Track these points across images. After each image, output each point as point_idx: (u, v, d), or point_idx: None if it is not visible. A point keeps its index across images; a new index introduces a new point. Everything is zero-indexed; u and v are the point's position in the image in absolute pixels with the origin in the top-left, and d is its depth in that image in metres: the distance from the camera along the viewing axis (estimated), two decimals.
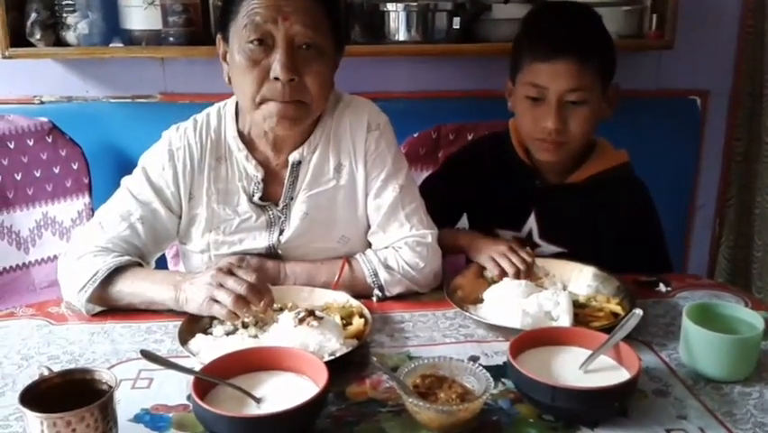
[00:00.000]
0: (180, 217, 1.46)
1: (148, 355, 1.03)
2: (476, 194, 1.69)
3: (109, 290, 1.32)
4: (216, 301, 1.21)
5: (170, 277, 1.33)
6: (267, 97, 1.33)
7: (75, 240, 1.44)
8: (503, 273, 1.43)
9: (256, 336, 1.19)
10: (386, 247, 1.45)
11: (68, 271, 1.36)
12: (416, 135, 2.08)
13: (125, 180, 1.46)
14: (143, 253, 1.43)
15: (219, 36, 1.41)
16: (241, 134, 1.45)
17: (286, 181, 1.45)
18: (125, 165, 2.11)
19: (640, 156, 1.68)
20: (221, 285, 1.22)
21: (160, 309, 1.32)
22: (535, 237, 1.64)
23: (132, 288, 1.32)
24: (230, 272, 1.24)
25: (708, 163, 2.48)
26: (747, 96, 2.37)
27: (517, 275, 1.41)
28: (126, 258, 1.36)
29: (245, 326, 1.22)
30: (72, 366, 1.14)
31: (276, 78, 1.30)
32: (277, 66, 1.29)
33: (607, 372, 1.07)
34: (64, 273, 1.37)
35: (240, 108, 1.46)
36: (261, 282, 1.24)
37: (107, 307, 1.34)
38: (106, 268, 1.31)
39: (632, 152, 1.67)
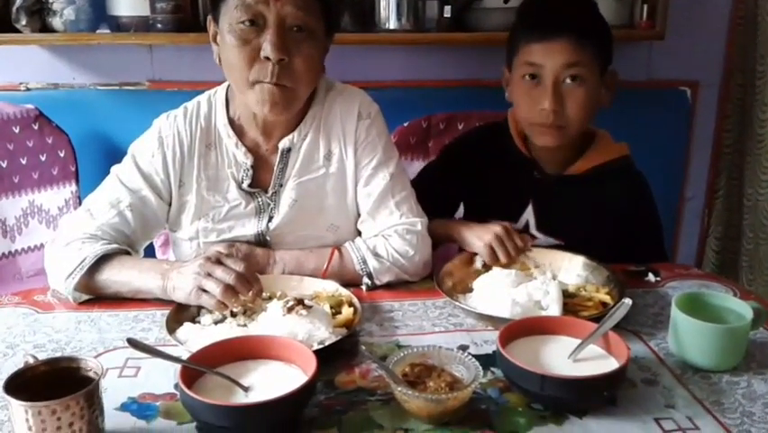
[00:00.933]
0: (170, 205, 1.45)
1: (134, 344, 1.02)
2: (473, 184, 1.68)
3: (96, 277, 1.31)
4: (204, 291, 1.21)
5: (158, 265, 1.32)
6: (257, 78, 1.32)
7: (63, 227, 1.43)
8: (497, 260, 1.42)
9: (245, 325, 1.18)
10: (375, 235, 1.45)
11: (56, 258, 1.35)
12: (406, 124, 2.08)
13: (115, 168, 1.45)
14: (132, 241, 1.42)
15: (210, 17, 1.40)
16: (231, 121, 1.45)
17: (275, 168, 1.45)
18: (113, 153, 2.11)
19: (630, 146, 1.67)
20: (209, 274, 1.21)
21: (147, 298, 1.31)
22: (532, 229, 1.63)
23: (119, 276, 1.31)
24: (218, 262, 1.23)
25: (698, 155, 2.49)
26: (737, 88, 2.37)
27: (512, 262, 1.41)
28: (114, 246, 1.35)
29: (234, 314, 1.21)
30: (58, 355, 1.14)
31: (266, 58, 1.29)
32: (267, 46, 1.29)
33: (595, 361, 1.07)
34: (51, 261, 1.36)
35: (230, 94, 1.45)
36: (250, 271, 1.23)
37: (94, 295, 1.33)
38: (94, 255, 1.30)
39: (621, 141, 1.67)
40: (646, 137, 2.25)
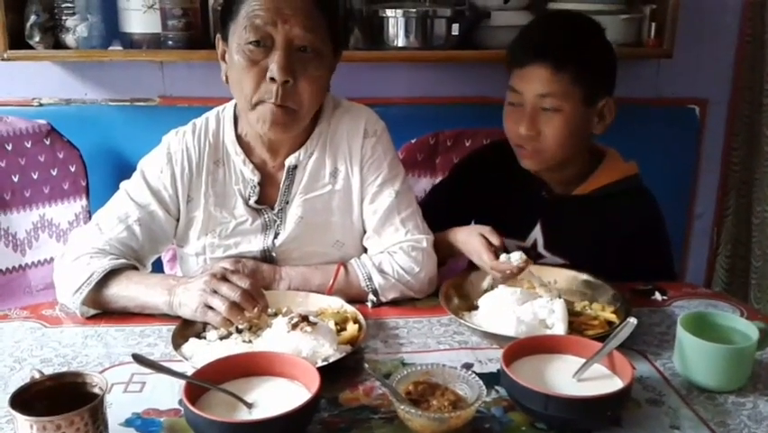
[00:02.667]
0: (178, 220, 1.46)
1: (140, 360, 1.02)
2: (483, 202, 1.68)
3: (104, 292, 1.31)
4: (210, 308, 1.21)
5: (164, 281, 1.32)
6: (261, 99, 1.33)
7: (72, 242, 1.44)
8: (496, 253, 1.41)
9: (249, 342, 1.19)
10: (380, 252, 1.45)
11: (64, 273, 1.36)
12: (413, 141, 2.08)
13: (124, 184, 1.46)
14: (140, 256, 1.43)
15: (219, 36, 1.41)
16: (239, 138, 1.46)
17: (282, 185, 1.46)
18: (123, 168, 2.12)
19: (638, 164, 1.67)
20: (215, 291, 1.21)
21: (153, 313, 1.31)
22: (540, 248, 1.63)
23: (126, 291, 1.32)
24: (224, 278, 1.24)
25: (707, 172, 2.48)
26: (746, 105, 2.37)
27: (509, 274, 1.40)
28: (122, 261, 1.36)
29: (239, 331, 1.22)
30: (65, 369, 1.14)
31: (272, 79, 1.30)
32: (274, 67, 1.30)
33: (600, 380, 1.06)
34: (60, 276, 1.37)
35: (238, 111, 1.47)
36: (255, 288, 1.24)
37: (102, 310, 1.34)
38: (102, 270, 1.31)
39: (630, 160, 1.67)
40: (655, 155, 2.25)
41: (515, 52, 1.54)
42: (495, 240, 1.43)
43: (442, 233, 1.54)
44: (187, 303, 1.24)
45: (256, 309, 1.20)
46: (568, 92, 1.48)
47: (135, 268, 1.39)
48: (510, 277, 1.39)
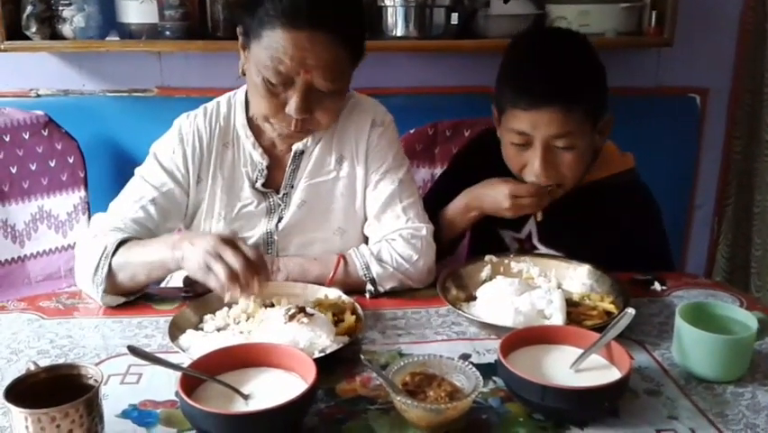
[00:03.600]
0: (188, 197, 1.47)
1: (136, 351, 1.02)
2: None
3: (116, 263, 1.29)
4: (212, 272, 1.18)
5: (168, 238, 1.32)
6: (277, 122, 1.36)
7: (90, 228, 1.44)
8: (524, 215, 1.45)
9: (248, 333, 1.18)
10: (379, 241, 1.45)
11: (81, 253, 1.35)
12: (412, 131, 2.08)
13: (138, 169, 1.47)
14: (155, 235, 1.41)
15: (240, 28, 1.38)
16: (249, 121, 1.47)
17: (287, 169, 1.47)
18: (122, 159, 2.14)
19: (639, 154, 1.66)
20: (219, 255, 1.18)
21: (159, 277, 1.32)
22: (534, 240, 1.62)
23: (133, 256, 1.29)
24: (230, 243, 1.20)
25: (707, 162, 2.48)
26: (747, 94, 2.36)
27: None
28: (127, 235, 1.34)
29: (236, 321, 1.21)
30: (61, 361, 1.14)
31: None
32: (292, 105, 1.31)
33: (598, 371, 1.06)
34: (78, 258, 1.37)
35: (249, 96, 1.46)
36: (259, 259, 1.20)
37: (116, 291, 1.31)
38: (114, 240, 1.31)
39: (630, 150, 1.66)
40: (655, 144, 2.25)
41: (517, 96, 1.44)
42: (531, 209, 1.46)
43: (443, 210, 1.55)
44: (190, 258, 1.21)
45: (257, 284, 1.18)
46: (580, 129, 1.44)
47: None
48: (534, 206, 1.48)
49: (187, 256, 1.23)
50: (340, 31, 1.29)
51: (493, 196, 1.51)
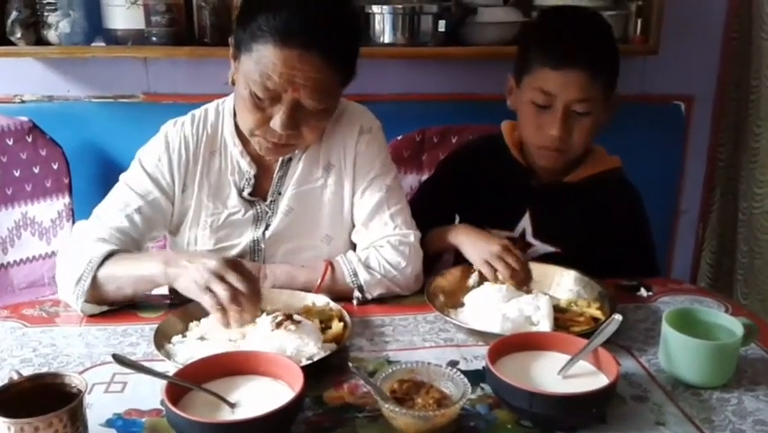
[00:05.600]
0: (173, 206, 1.46)
1: (120, 360, 1.01)
2: (470, 196, 1.68)
3: (101, 275, 1.27)
4: (210, 291, 1.17)
5: (160, 253, 1.33)
6: (262, 136, 1.35)
7: (73, 237, 1.42)
8: (496, 277, 1.40)
9: (233, 340, 1.17)
10: (366, 247, 1.45)
11: (63, 269, 1.33)
12: (399, 138, 2.07)
13: (123, 176, 1.46)
14: (140, 244, 1.42)
15: (232, 39, 1.36)
16: (237, 129, 1.45)
17: (275, 176, 1.46)
18: (107, 165, 2.12)
19: (624, 160, 1.68)
20: (221, 278, 1.17)
21: (145, 291, 1.31)
22: (529, 237, 1.63)
23: (121, 269, 1.28)
24: (235, 267, 1.20)
25: (693, 168, 2.49)
26: (732, 102, 2.37)
27: (514, 277, 1.39)
28: (116, 247, 1.33)
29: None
30: (45, 369, 1.13)
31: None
32: (277, 121, 1.30)
33: (585, 377, 1.06)
34: (60, 269, 1.35)
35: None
36: (258, 292, 1.20)
37: (99, 302, 1.30)
38: (100, 253, 1.29)
39: (615, 155, 1.67)
40: (641, 151, 2.24)
41: (547, 52, 1.48)
42: (501, 269, 1.39)
43: (443, 230, 1.54)
44: (186, 275, 1.20)
45: (248, 314, 1.17)
46: (599, 96, 1.49)
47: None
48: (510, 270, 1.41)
49: (182, 274, 1.21)
50: (332, 52, 1.28)
51: (487, 241, 1.46)
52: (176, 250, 1.49)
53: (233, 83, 1.38)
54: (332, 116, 1.42)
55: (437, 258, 1.61)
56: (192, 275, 1.19)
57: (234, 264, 1.20)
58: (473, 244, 1.47)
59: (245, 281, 1.17)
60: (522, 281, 1.40)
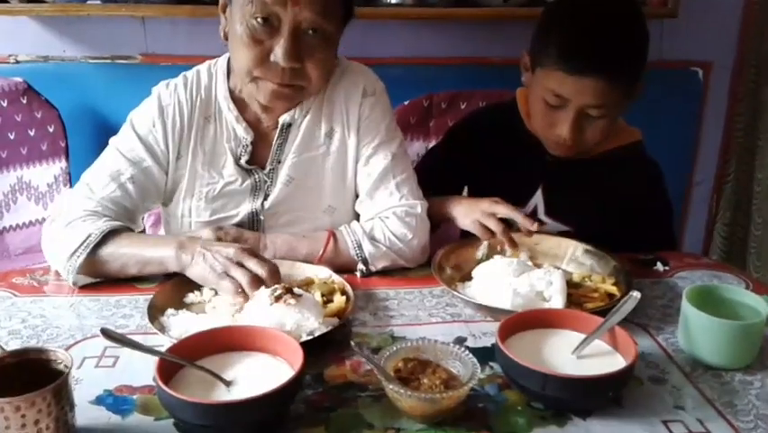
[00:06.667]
0: (167, 175, 1.39)
1: (109, 335, 0.95)
2: (479, 168, 1.61)
3: (99, 253, 1.23)
4: (229, 277, 1.15)
5: (171, 236, 1.27)
6: (264, 77, 1.27)
7: (61, 206, 1.35)
8: (492, 235, 1.36)
9: (231, 314, 1.12)
10: (372, 218, 1.39)
11: (56, 238, 1.27)
12: (407, 103, 2.01)
13: (113, 140, 1.38)
14: (133, 214, 1.36)
15: None
16: (231, 93, 1.38)
17: (274, 144, 1.39)
18: (104, 128, 2.05)
19: (639, 128, 1.60)
20: (240, 264, 1.15)
21: (151, 273, 1.25)
22: (540, 214, 1.57)
23: (127, 248, 1.24)
24: (253, 253, 1.18)
25: (708, 138, 2.42)
26: (751, 69, 2.29)
27: (506, 233, 1.35)
28: (118, 223, 1.28)
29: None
30: (34, 342, 1.08)
31: (276, 62, 1.24)
32: (279, 51, 1.23)
33: (601, 357, 1.00)
34: (51, 241, 1.28)
35: (232, 67, 1.38)
36: (277, 269, 1.17)
37: (96, 276, 1.26)
38: (99, 232, 1.23)
39: (630, 123, 1.60)
40: (656, 119, 2.15)
41: (563, 58, 1.36)
42: (493, 225, 1.36)
43: (438, 200, 1.48)
44: (204, 264, 1.17)
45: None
46: (618, 98, 1.39)
47: (131, 230, 1.32)
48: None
49: (198, 261, 1.18)
50: None
51: (476, 200, 1.42)
52: (186, 235, 1.40)
53: (226, 38, 1.31)
54: (335, 50, 1.34)
55: (435, 228, 1.54)
56: (210, 262, 1.17)
57: (252, 251, 1.19)
58: (463, 209, 1.43)
59: (265, 266, 1.15)
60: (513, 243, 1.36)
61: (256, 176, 1.40)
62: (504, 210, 1.38)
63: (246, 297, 1.14)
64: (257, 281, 1.13)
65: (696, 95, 2.32)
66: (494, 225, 1.36)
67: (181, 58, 2.09)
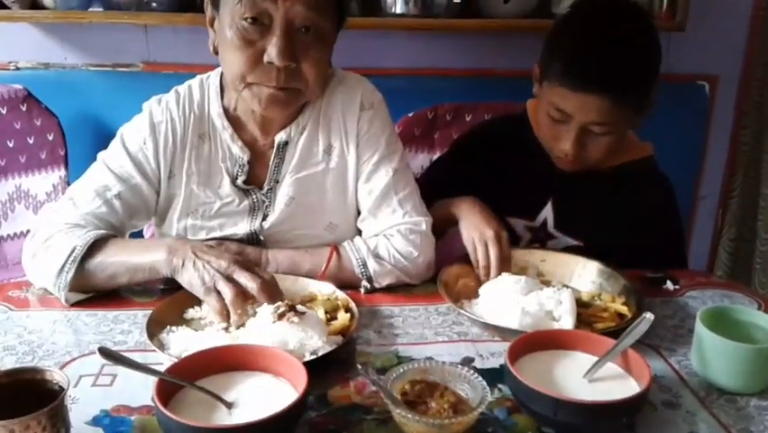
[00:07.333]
0: (158, 195, 1.35)
1: (107, 353, 0.92)
2: (487, 181, 1.56)
3: (87, 264, 1.19)
4: (215, 291, 1.11)
5: (162, 240, 1.24)
6: (258, 82, 1.22)
7: (42, 220, 1.31)
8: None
9: (230, 332, 1.09)
10: (376, 235, 1.35)
11: (39, 254, 1.23)
12: (411, 115, 1.98)
13: (102, 155, 1.35)
14: (119, 231, 1.32)
15: (206, 4, 1.28)
16: (226, 111, 1.35)
17: (271, 163, 1.35)
18: (104, 137, 1.99)
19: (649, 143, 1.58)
20: (230, 277, 1.12)
21: (143, 280, 1.21)
22: (550, 228, 1.54)
23: (115, 256, 1.20)
24: (245, 267, 1.14)
25: (714, 152, 2.40)
26: (757, 83, 2.27)
27: (485, 271, 1.32)
28: (103, 231, 1.24)
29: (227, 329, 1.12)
30: (29, 358, 1.05)
31: (270, 63, 1.19)
32: (273, 50, 1.18)
33: (613, 381, 0.98)
34: (33, 257, 1.24)
35: (225, 83, 1.35)
36: (274, 283, 1.15)
37: (87, 290, 1.22)
38: (84, 243, 1.19)
39: (636, 137, 1.57)
40: (662, 132, 2.13)
41: (567, 74, 1.34)
42: (480, 255, 1.33)
43: (448, 200, 1.45)
44: (193, 272, 1.13)
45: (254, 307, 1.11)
46: (623, 118, 1.37)
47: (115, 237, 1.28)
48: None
49: (188, 268, 1.15)
50: None
51: (486, 222, 1.38)
52: (178, 237, 1.37)
53: (216, 51, 1.28)
54: (330, 49, 1.29)
55: (441, 235, 1.51)
56: (199, 271, 1.13)
57: (245, 264, 1.15)
58: (470, 219, 1.39)
59: (257, 279, 1.11)
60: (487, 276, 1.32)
61: (254, 196, 1.36)
62: (494, 253, 1.32)
63: (228, 318, 1.10)
64: (243, 298, 1.10)
65: (702, 108, 2.30)
66: (481, 256, 1.32)
67: (183, 66, 2.07)
